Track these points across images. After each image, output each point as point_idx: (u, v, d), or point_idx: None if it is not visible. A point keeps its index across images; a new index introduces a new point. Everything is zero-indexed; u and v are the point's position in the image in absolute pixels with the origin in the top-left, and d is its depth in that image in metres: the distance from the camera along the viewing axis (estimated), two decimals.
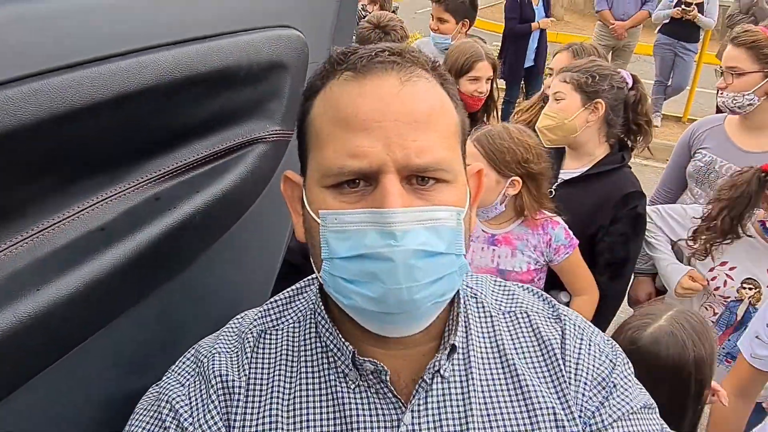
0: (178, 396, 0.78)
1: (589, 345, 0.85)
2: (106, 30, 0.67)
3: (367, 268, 0.68)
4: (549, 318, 0.87)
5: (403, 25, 3.36)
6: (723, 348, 2.16)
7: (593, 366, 0.83)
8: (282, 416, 0.77)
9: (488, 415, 0.78)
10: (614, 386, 0.82)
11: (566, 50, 2.76)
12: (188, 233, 0.82)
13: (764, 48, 2.18)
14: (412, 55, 0.74)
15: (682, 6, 6.47)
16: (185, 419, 0.76)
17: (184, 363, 0.83)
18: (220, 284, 0.96)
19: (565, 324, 0.86)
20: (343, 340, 0.78)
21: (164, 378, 0.82)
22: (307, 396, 0.78)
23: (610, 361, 0.85)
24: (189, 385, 0.80)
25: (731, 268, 2.07)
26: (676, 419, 1.42)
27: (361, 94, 0.70)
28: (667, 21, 6.71)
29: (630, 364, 0.88)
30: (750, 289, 2.04)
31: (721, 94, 2.28)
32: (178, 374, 0.82)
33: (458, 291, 0.83)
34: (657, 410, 0.85)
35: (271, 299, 0.87)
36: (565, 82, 2.11)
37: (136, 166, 0.78)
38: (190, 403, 0.78)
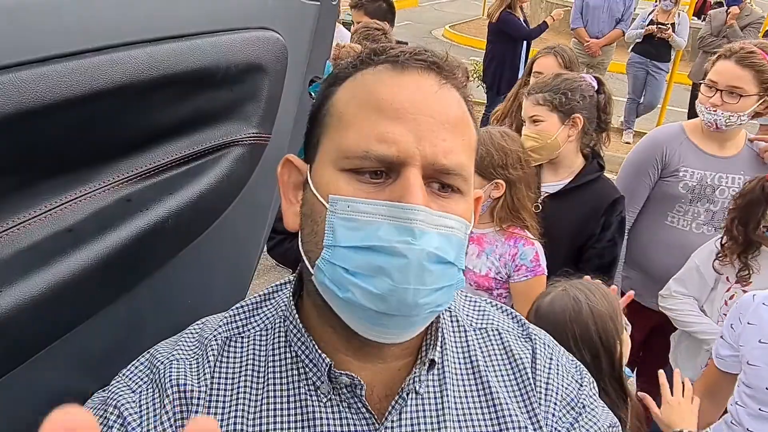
0: (128, 402, 0.73)
1: (558, 365, 0.85)
2: (78, 24, 0.65)
3: (376, 262, 0.63)
4: (520, 337, 0.87)
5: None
6: None
7: (562, 386, 0.83)
8: (246, 428, 0.73)
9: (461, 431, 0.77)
10: (583, 407, 0.82)
11: (550, 53, 2.83)
12: (160, 236, 0.79)
13: (766, 72, 2.15)
14: (449, 66, 0.73)
15: (657, 25, 6.64)
16: (133, 428, 0.71)
17: (136, 368, 0.78)
18: (191, 290, 0.94)
19: (535, 343, 0.86)
20: (319, 351, 0.74)
21: (114, 381, 0.76)
22: (275, 408, 0.74)
23: (577, 381, 0.85)
24: (141, 391, 0.74)
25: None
26: (594, 372, 1.50)
27: (400, 84, 0.68)
28: (640, 40, 6.88)
29: (594, 384, 0.88)
30: None
31: (714, 111, 2.21)
32: (129, 379, 0.76)
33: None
34: (620, 428, 0.85)
35: (236, 305, 0.83)
36: (540, 104, 2.13)
37: (106, 166, 0.75)
38: (140, 411, 0.72)
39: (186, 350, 0.78)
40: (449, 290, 0.69)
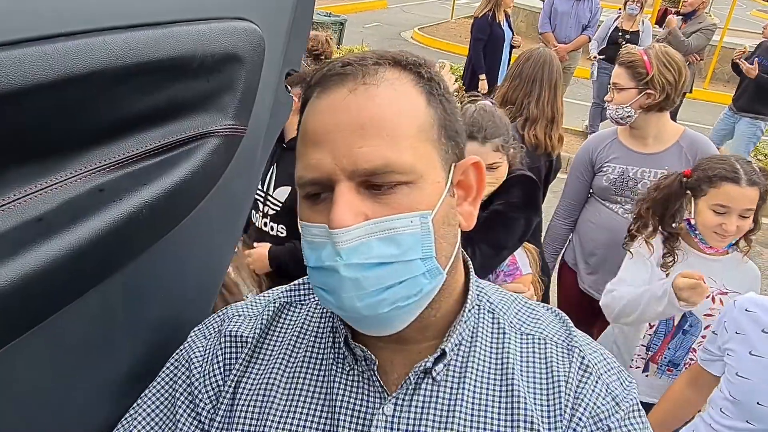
0: (198, 348, 0.89)
1: (597, 381, 0.82)
2: (52, 8, 0.63)
3: (326, 280, 0.73)
4: (563, 348, 0.85)
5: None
6: (664, 357, 2.23)
7: (593, 403, 0.80)
8: (279, 381, 0.84)
9: (471, 425, 0.78)
10: (609, 430, 0.79)
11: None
12: (133, 227, 0.78)
13: (639, 67, 2.53)
14: (374, 54, 0.75)
15: (621, 37, 6.79)
16: (195, 367, 0.87)
17: (213, 319, 0.94)
18: (165, 282, 0.92)
19: (572, 355, 0.84)
20: (340, 323, 0.84)
21: (195, 329, 0.93)
22: (305, 369, 0.84)
23: (617, 404, 0.81)
24: (209, 338, 0.91)
25: None
26: None
27: (318, 110, 0.74)
28: (604, 46, 7.02)
29: (641, 413, 0.82)
30: None
31: (608, 106, 2.63)
32: (206, 327, 0.93)
33: (469, 301, 0.83)
34: None
35: (304, 277, 0.92)
36: (498, 151, 2.03)
37: (79, 155, 0.73)
38: (204, 353, 0.89)
39: (252, 307, 0.93)
40: (412, 282, 0.72)
